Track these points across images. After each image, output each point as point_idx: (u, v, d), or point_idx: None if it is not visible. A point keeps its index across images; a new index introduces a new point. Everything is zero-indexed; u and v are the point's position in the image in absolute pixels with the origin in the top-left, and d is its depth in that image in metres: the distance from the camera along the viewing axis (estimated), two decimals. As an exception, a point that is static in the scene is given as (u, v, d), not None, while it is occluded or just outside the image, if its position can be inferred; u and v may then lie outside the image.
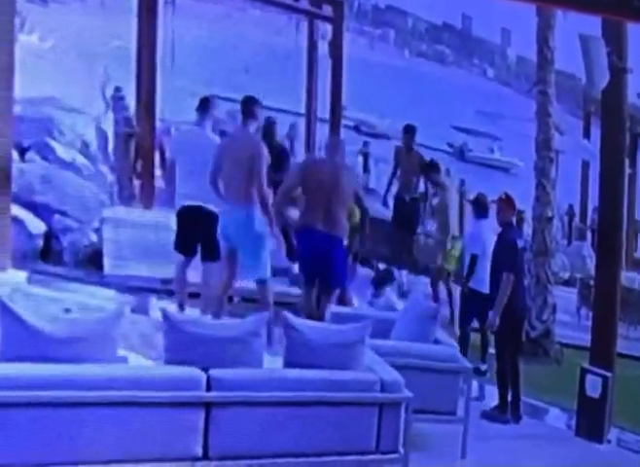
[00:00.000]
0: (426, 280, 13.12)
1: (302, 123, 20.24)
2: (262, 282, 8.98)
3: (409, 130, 13.99)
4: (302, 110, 20.13)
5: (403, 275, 13.59)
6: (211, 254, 9.19)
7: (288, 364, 5.87)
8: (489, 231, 9.50)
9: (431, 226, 15.40)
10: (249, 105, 9.07)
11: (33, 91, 15.71)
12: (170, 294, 9.42)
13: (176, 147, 9.70)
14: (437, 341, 7.57)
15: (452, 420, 7.19)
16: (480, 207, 10.69)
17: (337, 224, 9.25)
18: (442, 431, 7.14)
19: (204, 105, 9.51)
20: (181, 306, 9.06)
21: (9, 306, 5.21)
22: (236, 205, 8.77)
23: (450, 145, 47.31)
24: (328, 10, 18.81)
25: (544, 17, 13.38)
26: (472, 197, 11.47)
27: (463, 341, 10.04)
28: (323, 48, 19.32)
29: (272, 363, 5.89)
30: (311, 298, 9.51)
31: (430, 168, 13.09)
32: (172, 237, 9.31)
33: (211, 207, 9.14)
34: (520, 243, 9.14)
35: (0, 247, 8.70)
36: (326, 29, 19.28)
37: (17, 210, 10.52)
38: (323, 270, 9.33)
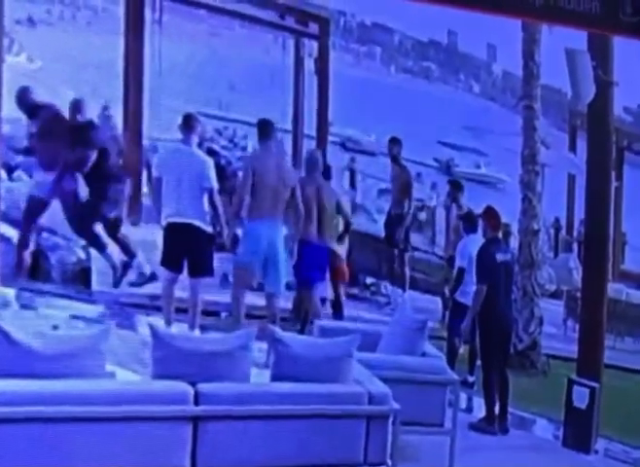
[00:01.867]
0: (416, 294, 13.17)
1: (288, 139, 20.28)
2: (276, 296, 9.42)
3: (393, 141, 14.10)
4: (289, 126, 20.17)
5: (388, 289, 13.64)
6: (200, 269, 9.23)
7: (275, 377, 5.88)
8: (477, 245, 9.55)
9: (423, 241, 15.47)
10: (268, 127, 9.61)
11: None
12: (157, 309, 9.42)
13: (162, 165, 9.72)
14: (424, 354, 7.60)
15: (440, 432, 7.22)
16: (468, 222, 10.73)
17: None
18: (429, 443, 7.16)
19: (187, 122, 9.55)
20: (168, 322, 9.07)
21: (-2, 326, 5.21)
22: (270, 221, 9.16)
23: (437, 160, 47.31)
24: (314, 27, 18.88)
25: (529, 32, 13.42)
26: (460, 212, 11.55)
27: (451, 354, 10.06)
28: (309, 65, 19.38)
29: (260, 377, 5.90)
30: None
31: (453, 186, 13.26)
32: (159, 254, 9.34)
33: (198, 224, 9.19)
34: (502, 257, 9.19)
35: (-11, 265, 8.72)
36: (312, 47, 19.35)
37: (5, 228, 10.53)
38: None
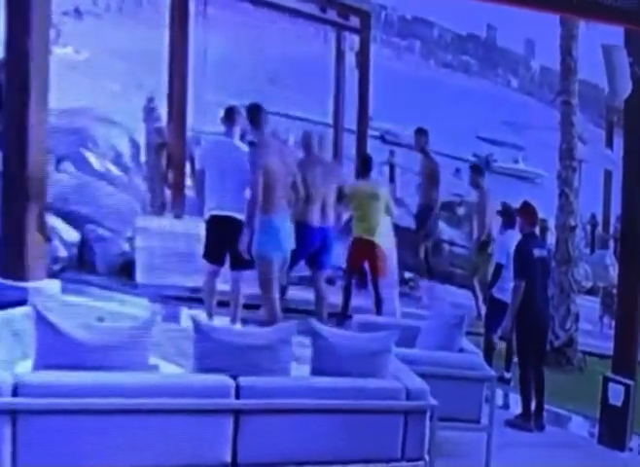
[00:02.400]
0: (453, 289, 13.12)
1: (329, 133, 20.25)
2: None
3: (420, 132, 14.09)
4: (330, 120, 20.14)
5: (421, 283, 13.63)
6: (242, 262, 9.21)
7: (315, 372, 5.87)
8: (515, 241, 9.50)
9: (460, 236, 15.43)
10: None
11: (68, 103, 15.80)
12: (200, 302, 9.43)
13: (204, 157, 9.71)
14: (462, 350, 7.56)
15: (477, 428, 7.17)
16: (506, 217, 10.69)
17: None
18: (466, 439, 7.12)
19: (229, 115, 9.52)
20: (210, 315, 9.07)
21: (44, 315, 5.23)
22: (283, 213, 9.09)
23: (476, 155, 47.22)
24: (355, 21, 18.86)
25: (567, 28, 13.34)
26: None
27: (488, 350, 10.02)
28: (350, 59, 19.36)
29: (299, 370, 5.90)
30: None
31: (473, 170, 13.16)
32: (202, 247, 9.34)
33: (240, 216, 9.16)
34: (539, 253, 9.13)
35: (35, 256, 8.70)
36: (353, 40, 19.32)
37: (51, 220, 10.55)
38: None
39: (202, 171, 9.46)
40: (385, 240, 11.29)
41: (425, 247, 13.92)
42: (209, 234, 9.34)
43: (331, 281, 11.49)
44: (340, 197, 10.54)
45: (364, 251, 11.20)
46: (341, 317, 10.70)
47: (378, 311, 10.97)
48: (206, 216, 9.35)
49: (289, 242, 9.19)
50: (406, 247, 13.30)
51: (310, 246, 10.07)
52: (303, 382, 5.75)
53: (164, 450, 5.15)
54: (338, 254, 11.41)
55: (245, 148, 9.60)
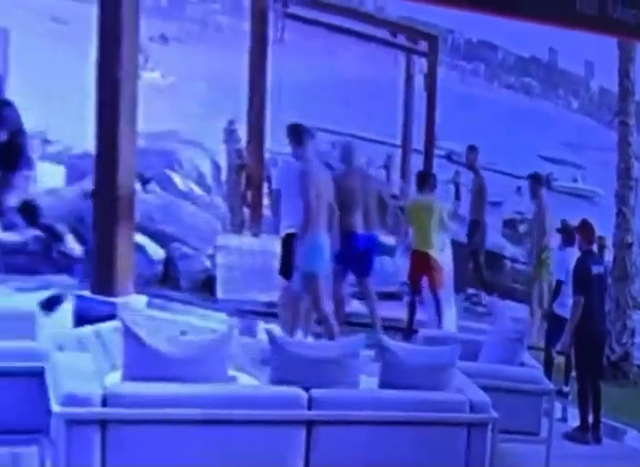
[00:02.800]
0: (513, 305, 12.99)
1: (397, 153, 20.24)
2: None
3: (470, 149, 14.06)
4: (398, 141, 20.15)
5: (487, 299, 13.53)
6: None
7: (383, 384, 5.86)
8: (574, 258, 9.40)
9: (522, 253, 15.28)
10: None
11: (154, 126, 15.98)
12: (275, 316, 9.45)
13: (280, 177, 9.74)
14: (523, 364, 7.49)
15: (536, 441, 7.10)
16: (566, 235, 10.59)
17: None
18: (525, 451, 7.05)
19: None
20: (284, 329, 9.07)
21: (131, 329, 5.28)
22: (325, 231, 8.95)
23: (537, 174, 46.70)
24: (424, 45, 18.93)
25: (625, 51, 13.22)
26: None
27: (547, 364, 9.92)
28: (418, 81, 19.38)
29: (368, 383, 5.90)
30: None
31: (532, 179, 13.09)
32: (277, 263, 9.36)
33: None
34: (597, 269, 9.03)
35: (124, 273, 8.82)
36: (421, 63, 19.35)
37: (139, 238, 10.65)
38: None
39: (278, 191, 9.49)
40: (441, 254, 11.24)
41: (476, 261, 13.84)
42: (285, 252, 9.35)
43: (397, 296, 11.46)
44: (382, 205, 10.54)
45: (421, 264, 11.15)
46: (408, 332, 10.66)
47: (439, 324, 10.92)
48: (282, 234, 9.36)
49: (328, 257, 9.08)
50: (469, 263, 13.26)
51: (355, 252, 10.00)
52: (372, 395, 5.74)
53: (241, 460, 5.17)
54: (404, 269, 11.40)
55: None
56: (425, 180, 11.66)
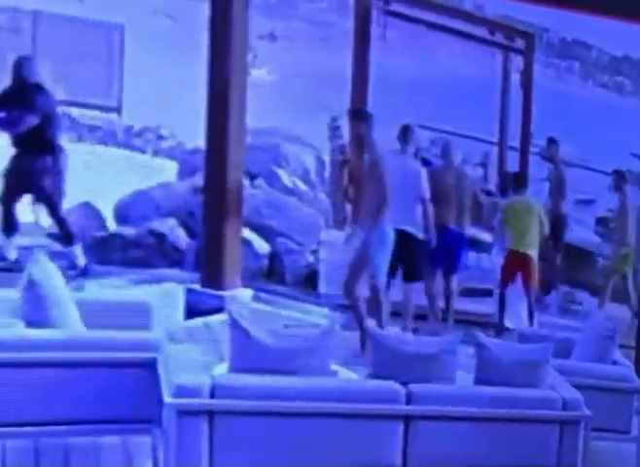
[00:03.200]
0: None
1: (494, 150, 20.02)
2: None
3: (551, 142, 13.87)
4: (494, 138, 19.95)
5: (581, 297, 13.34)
6: (414, 275, 9.19)
7: (478, 381, 5.85)
8: None
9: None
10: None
11: (261, 122, 16.09)
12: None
13: None
14: (615, 362, 7.39)
15: (627, 439, 7.01)
16: None
17: None
18: (616, 449, 6.95)
19: (404, 133, 9.50)
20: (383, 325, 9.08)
21: (238, 322, 5.35)
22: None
23: (630, 172, 45.81)
24: (520, 43, 18.78)
25: None
26: None
27: (639, 362, 9.73)
28: (514, 79, 19.21)
29: (464, 379, 5.89)
30: None
31: (616, 175, 12.86)
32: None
33: (412, 230, 9.14)
34: None
35: (232, 267, 8.91)
36: (518, 61, 19.19)
37: (245, 232, 10.74)
38: None
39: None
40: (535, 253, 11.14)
41: (554, 255, 13.61)
42: None
43: (488, 293, 11.36)
44: (476, 203, 10.51)
45: (518, 264, 11.03)
46: (499, 328, 10.57)
47: (530, 322, 10.80)
48: None
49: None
50: (564, 261, 13.07)
51: (445, 247, 9.96)
52: (468, 391, 5.74)
53: (341, 452, 5.22)
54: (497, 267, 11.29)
55: (417, 165, 9.58)
56: (521, 180, 11.55)
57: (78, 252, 9.87)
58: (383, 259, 8.69)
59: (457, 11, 19.48)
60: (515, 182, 11.65)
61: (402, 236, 9.13)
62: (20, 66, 9.42)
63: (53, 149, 9.41)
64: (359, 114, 8.96)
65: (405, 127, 9.61)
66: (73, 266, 9.75)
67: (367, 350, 7.66)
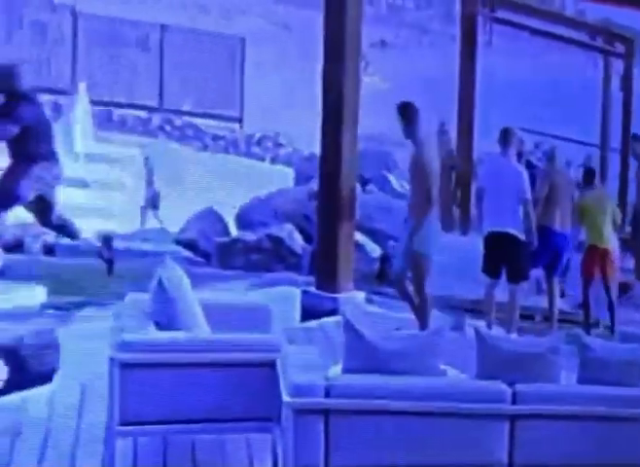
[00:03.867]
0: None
1: (596, 153, 19.66)
2: None
3: (635, 138, 13.48)
4: (596, 141, 19.63)
5: None
6: (518, 276, 9.06)
7: (581, 380, 5.73)
8: None
9: None
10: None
11: (373, 128, 16.09)
12: (481, 313, 9.36)
13: (484, 176, 9.64)
14: None
15: None
16: None
17: None
18: None
19: (505, 136, 9.35)
20: (489, 325, 8.97)
21: (352, 324, 5.35)
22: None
23: None
24: (620, 47, 18.49)
25: None
26: None
27: None
28: (615, 83, 18.88)
29: (567, 379, 5.78)
30: None
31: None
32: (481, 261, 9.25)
33: (516, 233, 9.00)
34: None
35: (345, 270, 8.90)
36: (618, 65, 18.89)
37: (358, 236, 10.74)
38: None
39: (482, 189, 9.38)
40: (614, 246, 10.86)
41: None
42: (487, 250, 9.23)
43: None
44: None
45: (596, 259, 10.78)
46: (585, 326, 10.33)
47: (611, 317, 10.53)
48: (485, 232, 9.25)
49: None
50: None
51: (551, 249, 9.77)
52: (573, 390, 5.62)
53: (449, 451, 5.16)
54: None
55: (519, 167, 9.44)
56: (589, 176, 11.33)
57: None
58: (427, 254, 8.51)
59: (560, 16, 19.21)
60: (584, 178, 11.43)
61: (504, 238, 9.01)
62: (8, 75, 8.86)
63: (42, 158, 8.88)
64: (400, 109, 8.67)
65: (505, 130, 9.47)
66: None
67: None
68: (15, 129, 8.59)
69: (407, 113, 8.39)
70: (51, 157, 9.00)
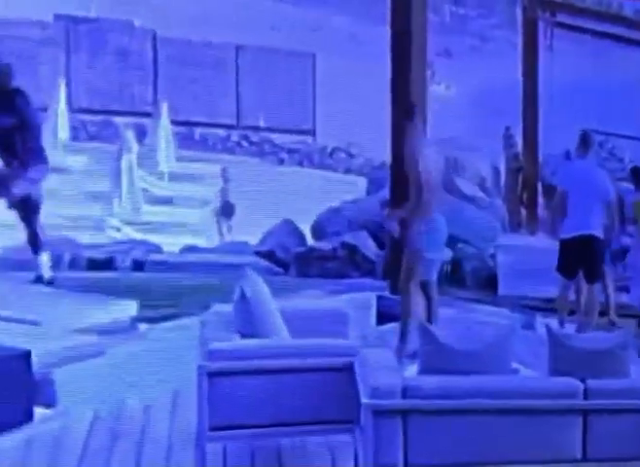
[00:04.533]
0: None
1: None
2: None
3: None
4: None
5: None
6: (596, 276, 8.91)
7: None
8: None
9: None
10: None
11: (441, 133, 16.03)
12: (553, 311, 9.23)
13: (567, 180, 9.35)
14: None
15: None
16: None
17: None
18: None
19: (584, 140, 9.19)
20: (561, 323, 8.84)
21: (426, 326, 5.42)
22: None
23: None
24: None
25: None
26: None
27: None
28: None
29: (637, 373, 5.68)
30: None
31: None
32: (554, 261, 9.10)
33: (597, 234, 8.83)
34: None
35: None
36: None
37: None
38: None
39: (565, 193, 9.08)
40: None
41: None
42: (564, 250, 9.00)
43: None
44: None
45: None
46: None
47: None
48: (565, 234, 9.02)
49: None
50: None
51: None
52: (642, 384, 5.54)
53: (525, 447, 5.12)
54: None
55: (600, 169, 9.26)
56: (637, 175, 11.02)
57: (44, 262, 9.18)
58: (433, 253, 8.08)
59: (618, 17, 18.93)
60: (634, 179, 11.14)
61: (588, 240, 8.81)
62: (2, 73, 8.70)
63: (30, 156, 8.66)
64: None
65: (584, 134, 9.23)
66: (39, 277, 9.19)
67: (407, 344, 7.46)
68: (8, 121, 8.41)
69: (408, 109, 8.13)
70: (39, 154, 8.77)
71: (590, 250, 8.77)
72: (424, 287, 7.94)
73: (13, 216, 8.97)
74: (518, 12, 16.96)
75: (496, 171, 16.30)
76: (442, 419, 5.07)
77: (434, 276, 8.06)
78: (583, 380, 5.33)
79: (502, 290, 10.49)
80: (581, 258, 8.82)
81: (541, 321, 9.02)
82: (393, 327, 8.07)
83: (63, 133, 22.69)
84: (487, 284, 11.19)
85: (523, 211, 14.20)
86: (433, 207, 7.95)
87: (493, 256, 11.58)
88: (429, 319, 7.79)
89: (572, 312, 8.90)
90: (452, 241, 11.81)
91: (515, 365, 5.56)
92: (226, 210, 19.65)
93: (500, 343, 5.45)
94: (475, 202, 13.89)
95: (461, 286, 11.30)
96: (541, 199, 13.56)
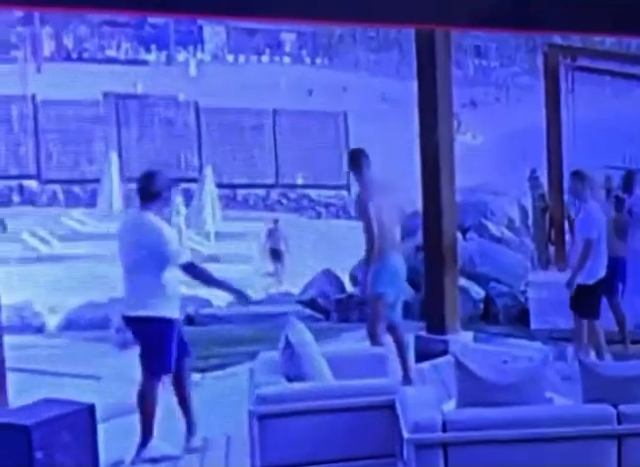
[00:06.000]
0: None
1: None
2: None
3: None
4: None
5: None
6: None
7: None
8: None
9: None
10: None
11: (469, 181, 16.06)
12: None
13: (595, 227, 8.93)
14: None
15: None
16: None
17: None
18: None
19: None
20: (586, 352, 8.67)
21: (462, 361, 5.38)
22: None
23: None
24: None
25: None
26: None
27: None
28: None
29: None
30: None
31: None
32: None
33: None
34: None
35: (452, 313, 8.87)
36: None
37: (462, 281, 10.69)
38: None
39: (594, 241, 8.69)
40: None
41: None
42: (587, 294, 8.71)
43: None
44: None
45: None
46: None
47: None
48: (590, 280, 8.72)
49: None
50: None
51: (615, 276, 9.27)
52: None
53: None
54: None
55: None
56: None
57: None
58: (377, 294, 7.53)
59: (637, 57, 18.87)
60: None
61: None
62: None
63: None
64: (349, 155, 8.14)
65: (575, 172, 9.13)
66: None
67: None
68: None
69: (353, 159, 7.79)
70: None
71: (601, 290, 8.58)
72: (391, 331, 7.55)
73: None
74: (539, 59, 16.98)
75: (524, 212, 16.22)
76: (481, 450, 5.06)
77: (398, 317, 7.66)
78: (615, 406, 5.28)
79: (534, 324, 10.42)
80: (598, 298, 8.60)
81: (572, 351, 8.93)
82: (431, 364, 8.07)
83: (117, 203, 23.12)
84: (519, 319, 11.14)
85: (551, 248, 14.09)
86: (387, 252, 7.44)
87: (524, 292, 11.54)
88: (403, 366, 7.46)
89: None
90: (484, 280, 11.82)
91: (549, 394, 5.54)
92: (276, 255, 19.93)
93: (534, 375, 5.43)
94: (504, 242, 13.85)
95: (494, 322, 11.25)
96: (568, 237, 13.48)
